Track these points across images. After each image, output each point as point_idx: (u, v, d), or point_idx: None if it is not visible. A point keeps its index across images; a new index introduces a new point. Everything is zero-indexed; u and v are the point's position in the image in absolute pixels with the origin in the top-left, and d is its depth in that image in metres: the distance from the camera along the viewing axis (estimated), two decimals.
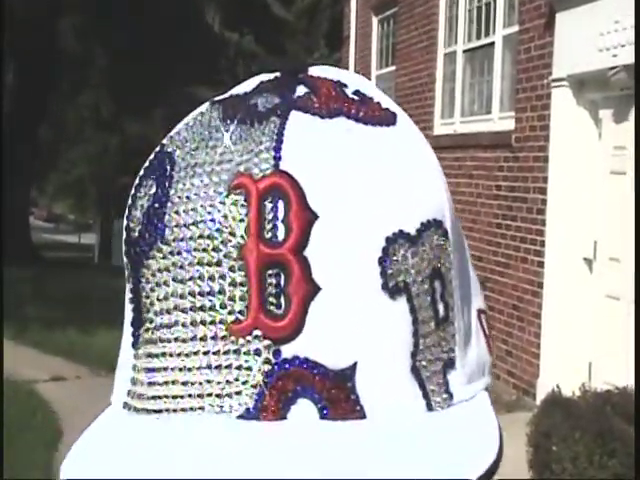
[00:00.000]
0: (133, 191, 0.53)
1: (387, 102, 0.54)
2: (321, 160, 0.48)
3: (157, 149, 0.54)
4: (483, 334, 0.57)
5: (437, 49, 9.35)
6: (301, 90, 0.53)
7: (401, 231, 0.49)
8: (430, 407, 0.50)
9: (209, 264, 0.48)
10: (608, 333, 6.23)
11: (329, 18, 12.55)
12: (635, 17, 5.65)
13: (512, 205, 7.50)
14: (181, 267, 0.49)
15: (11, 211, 20.71)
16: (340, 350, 0.47)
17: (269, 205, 0.47)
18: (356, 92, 0.53)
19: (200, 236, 0.48)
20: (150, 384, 0.50)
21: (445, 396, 0.51)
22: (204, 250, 0.48)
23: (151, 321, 0.50)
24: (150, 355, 0.51)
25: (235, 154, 0.49)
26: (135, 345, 0.52)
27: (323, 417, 0.47)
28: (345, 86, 0.54)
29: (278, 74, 0.55)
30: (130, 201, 0.53)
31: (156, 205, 0.50)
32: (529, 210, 7.20)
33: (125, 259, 0.52)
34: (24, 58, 19.74)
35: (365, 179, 0.49)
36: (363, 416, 0.47)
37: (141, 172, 0.53)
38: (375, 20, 11.57)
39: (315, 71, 0.55)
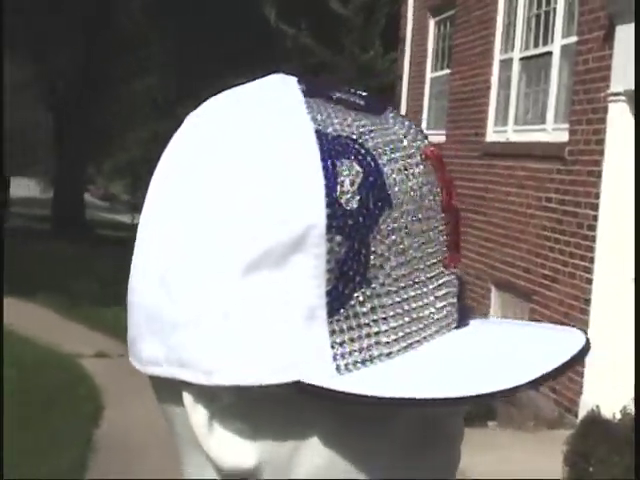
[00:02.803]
0: (323, 172, 0.56)
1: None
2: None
3: (310, 135, 0.57)
4: None
5: (493, 55, 9.24)
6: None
7: None
8: None
9: (427, 218, 0.60)
10: None
11: (386, 16, 12.44)
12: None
13: (562, 219, 7.40)
14: (412, 224, 0.59)
15: (65, 188, 20.97)
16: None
17: (445, 169, 0.62)
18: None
19: (419, 197, 0.59)
20: (393, 328, 0.58)
21: None
22: (422, 209, 0.60)
23: (388, 275, 0.58)
24: (385, 305, 0.58)
25: (399, 134, 0.60)
26: (339, 310, 0.56)
27: (470, 320, 0.64)
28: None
29: (292, 77, 0.63)
30: (325, 181, 0.56)
31: (371, 179, 0.58)
32: (579, 225, 7.10)
33: (326, 232, 0.56)
34: (83, 42, 19.93)
35: None
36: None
37: (319, 155, 0.57)
38: (432, 21, 11.47)
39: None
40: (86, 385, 7.18)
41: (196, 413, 0.58)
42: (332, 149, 0.57)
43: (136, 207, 31.54)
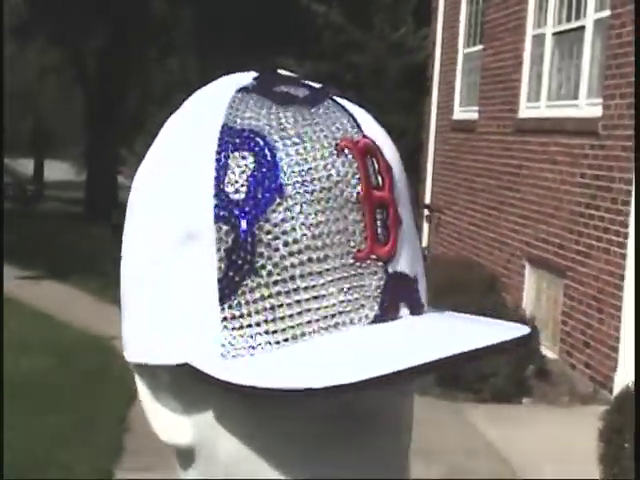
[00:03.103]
0: (215, 164, 0.60)
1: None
2: (375, 125, 0.64)
3: (219, 129, 0.61)
4: None
5: (526, 30, 9.16)
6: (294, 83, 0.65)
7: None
8: None
9: (334, 208, 0.59)
10: None
11: None
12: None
13: (596, 194, 7.35)
14: (308, 214, 0.59)
15: (98, 170, 21.10)
16: (411, 266, 0.62)
17: (369, 160, 0.61)
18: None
19: (321, 189, 0.59)
20: (281, 318, 0.59)
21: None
22: (328, 199, 0.59)
23: (275, 265, 0.59)
24: (272, 294, 0.58)
25: (322, 125, 0.61)
26: (230, 296, 0.59)
27: (412, 314, 0.62)
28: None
29: (255, 74, 0.66)
30: (215, 173, 0.60)
31: (263, 170, 0.59)
32: (613, 200, 7.05)
33: (216, 225, 0.59)
34: (115, 22, 20.00)
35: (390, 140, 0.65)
36: (423, 313, 0.63)
37: (217, 149, 0.60)
38: None
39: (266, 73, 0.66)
40: (120, 366, 7.23)
41: (141, 388, 0.65)
42: (230, 142, 0.60)
43: None
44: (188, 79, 22.05)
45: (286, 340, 0.58)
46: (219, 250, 0.59)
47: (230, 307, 0.59)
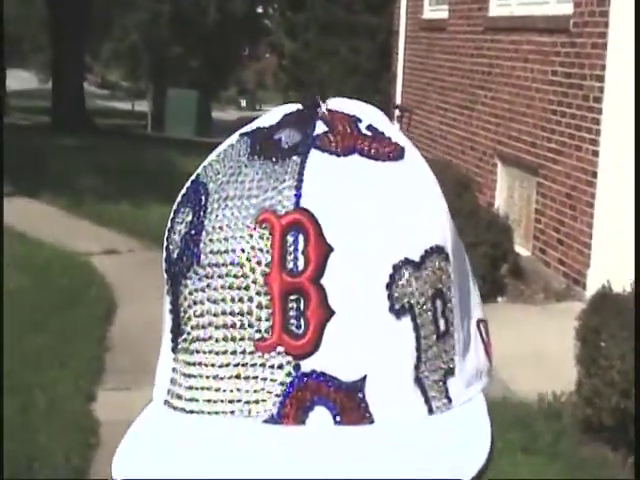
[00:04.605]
0: (172, 215, 0.59)
1: (396, 136, 0.60)
2: (336, 197, 0.55)
3: (193, 178, 0.60)
4: (482, 342, 0.63)
5: None
6: (320, 127, 0.58)
7: (406, 258, 0.55)
8: (431, 411, 0.56)
9: (239, 288, 0.54)
10: None
11: None
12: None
13: (568, 92, 7.31)
14: (215, 289, 0.55)
15: (64, 77, 20.70)
16: (352, 365, 0.54)
17: (290, 239, 0.54)
18: (369, 127, 0.59)
19: (231, 263, 0.55)
20: (188, 388, 0.57)
21: (445, 401, 0.57)
22: (234, 276, 0.55)
23: (188, 333, 0.57)
24: (187, 363, 0.57)
25: (261, 190, 0.56)
26: (174, 350, 0.59)
27: (337, 423, 0.54)
28: (359, 121, 0.60)
29: (300, 106, 0.61)
30: (169, 225, 0.59)
31: (192, 232, 0.57)
32: (585, 97, 7.02)
33: (165, 275, 0.59)
34: None
35: (374, 213, 0.55)
36: (372, 422, 0.54)
37: (178, 199, 0.59)
38: None
39: (334, 104, 0.61)
40: (97, 283, 7.20)
41: None
42: (186, 194, 0.59)
43: (137, 94, 31.28)
44: None
45: (184, 410, 0.57)
46: (170, 302, 0.59)
47: (175, 359, 0.59)
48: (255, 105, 38.01)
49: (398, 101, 12.20)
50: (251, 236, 0.55)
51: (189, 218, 0.57)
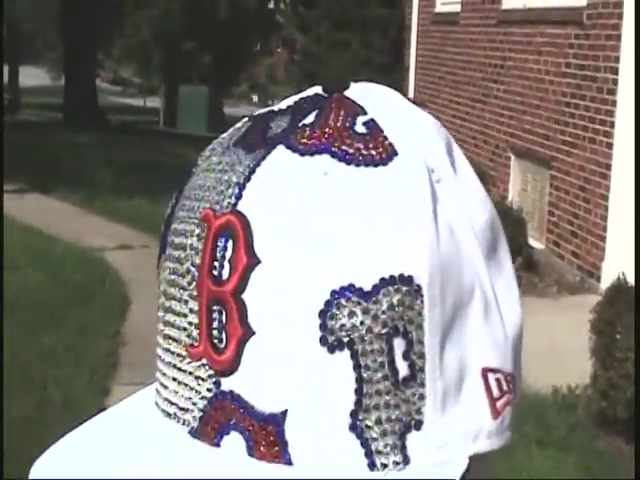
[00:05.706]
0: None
1: (399, 137, 0.51)
2: (278, 203, 0.48)
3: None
4: (487, 396, 0.51)
5: None
6: (309, 118, 0.51)
7: (352, 285, 0.47)
8: (373, 467, 0.48)
9: (178, 286, 0.50)
10: None
11: None
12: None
13: (581, 84, 7.28)
14: (167, 282, 0.52)
15: (76, 74, 20.73)
16: (271, 395, 0.48)
17: (220, 243, 0.48)
18: (368, 122, 0.51)
19: (177, 259, 0.51)
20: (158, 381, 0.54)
21: (397, 459, 0.48)
22: (176, 272, 0.51)
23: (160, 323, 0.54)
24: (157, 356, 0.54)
25: (218, 182, 0.50)
26: None
27: (250, 455, 0.48)
28: (362, 114, 0.51)
29: (317, 90, 0.54)
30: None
31: (167, 219, 0.54)
32: (599, 90, 6.99)
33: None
34: None
35: (322, 226, 0.47)
36: (290, 463, 0.47)
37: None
38: None
39: (354, 90, 0.53)
40: (111, 279, 7.20)
41: None
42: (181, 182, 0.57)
43: (149, 90, 31.32)
44: None
45: (156, 404, 0.53)
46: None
47: None
48: (267, 100, 38.00)
49: (411, 95, 12.17)
50: (192, 233, 0.50)
51: (173, 202, 0.54)
